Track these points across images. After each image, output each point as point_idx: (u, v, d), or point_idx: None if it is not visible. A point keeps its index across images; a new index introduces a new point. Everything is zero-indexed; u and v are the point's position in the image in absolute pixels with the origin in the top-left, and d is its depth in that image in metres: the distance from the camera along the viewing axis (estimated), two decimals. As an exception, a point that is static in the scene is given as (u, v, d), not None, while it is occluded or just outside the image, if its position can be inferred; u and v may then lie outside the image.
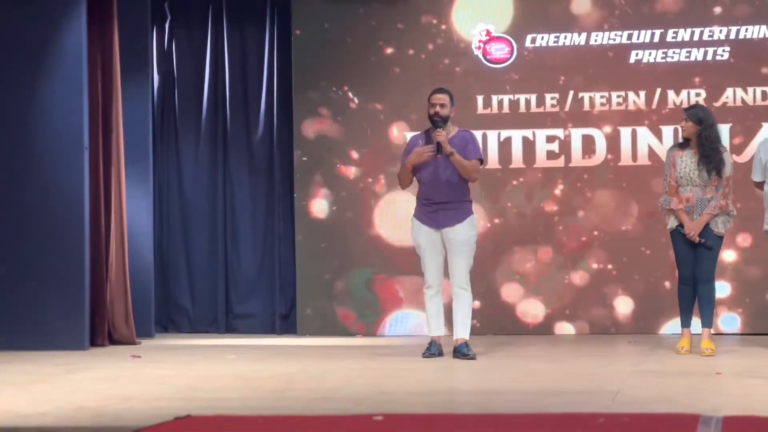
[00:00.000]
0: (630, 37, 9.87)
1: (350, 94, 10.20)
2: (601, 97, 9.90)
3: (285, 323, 10.46)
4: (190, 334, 10.50)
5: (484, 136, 9.94)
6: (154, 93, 10.55)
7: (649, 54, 9.84)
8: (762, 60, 9.68)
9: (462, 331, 7.98)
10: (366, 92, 10.18)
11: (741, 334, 9.57)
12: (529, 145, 9.97)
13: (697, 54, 9.78)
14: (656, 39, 9.83)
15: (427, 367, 7.55)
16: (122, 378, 7.03)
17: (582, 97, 9.92)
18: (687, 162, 8.04)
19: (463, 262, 7.99)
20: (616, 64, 9.88)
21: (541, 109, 9.98)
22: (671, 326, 9.51)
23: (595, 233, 9.89)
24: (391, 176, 9.51)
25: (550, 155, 9.96)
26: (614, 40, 9.89)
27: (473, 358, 7.87)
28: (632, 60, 9.86)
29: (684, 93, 9.78)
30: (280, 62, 10.51)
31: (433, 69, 10.04)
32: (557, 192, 9.94)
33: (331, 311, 10.16)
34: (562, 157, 9.94)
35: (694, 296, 8.13)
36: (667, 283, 9.60)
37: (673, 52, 9.81)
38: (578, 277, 9.88)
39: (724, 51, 9.73)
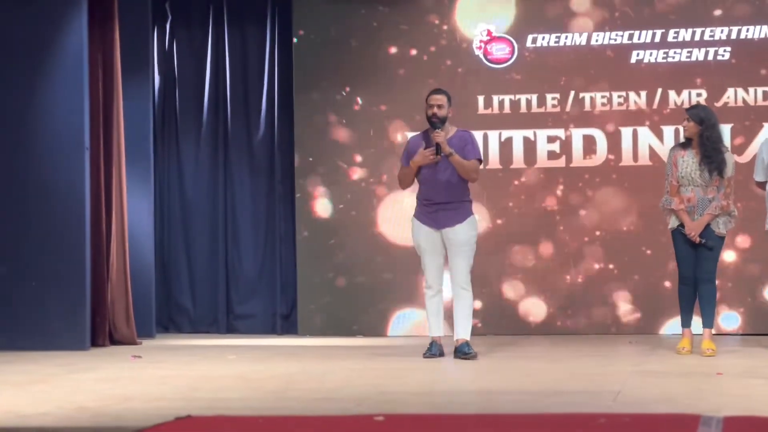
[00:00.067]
0: (631, 37, 9.86)
1: (351, 95, 10.20)
2: (602, 97, 9.90)
3: (286, 323, 10.46)
4: (191, 334, 10.50)
5: (485, 137, 9.94)
6: (154, 93, 10.55)
7: (650, 54, 9.84)
8: (763, 60, 9.68)
9: (463, 331, 7.98)
10: (367, 92, 10.18)
11: (742, 335, 9.57)
12: (530, 146, 9.97)
13: (698, 54, 9.77)
14: (657, 39, 9.82)
15: (428, 368, 7.54)
16: (123, 378, 7.03)
17: (583, 98, 9.92)
18: (689, 162, 8.04)
19: (464, 262, 7.99)
20: (617, 65, 9.87)
21: (542, 110, 9.97)
22: (672, 326, 9.50)
23: (597, 233, 9.88)
24: (393, 176, 9.51)
25: (551, 155, 9.95)
26: (615, 40, 9.89)
27: (474, 356, 7.87)
28: (633, 60, 9.86)
29: (685, 93, 9.77)
30: (280, 62, 10.51)
31: (435, 69, 10.04)
32: (558, 192, 9.94)
33: (332, 311, 10.15)
34: (563, 158, 9.94)
35: (694, 296, 8.13)
36: (667, 283, 9.59)
37: (674, 53, 9.81)
38: (579, 277, 9.88)
39: (725, 51, 9.72)
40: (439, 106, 7.98)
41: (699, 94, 9.73)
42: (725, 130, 9.14)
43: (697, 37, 9.77)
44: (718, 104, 9.57)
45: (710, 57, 9.75)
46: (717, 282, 8.20)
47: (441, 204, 8.01)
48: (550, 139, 9.96)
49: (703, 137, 7.99)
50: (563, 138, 9.94)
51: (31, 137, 8.90)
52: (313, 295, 10.18)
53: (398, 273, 9.99)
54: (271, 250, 10.55)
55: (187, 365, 7.86)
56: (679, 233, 8.08)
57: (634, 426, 4.82)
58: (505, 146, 10.00)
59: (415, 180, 8.17)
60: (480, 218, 8.39)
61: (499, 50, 10.04)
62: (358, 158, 10.18)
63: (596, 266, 9.86)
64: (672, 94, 9.80)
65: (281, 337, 10.20)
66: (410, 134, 9.28)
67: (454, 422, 5.11)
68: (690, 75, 9.79)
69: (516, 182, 9.98)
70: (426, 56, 10.10)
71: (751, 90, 9.70)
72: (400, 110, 10.09)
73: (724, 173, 7.99)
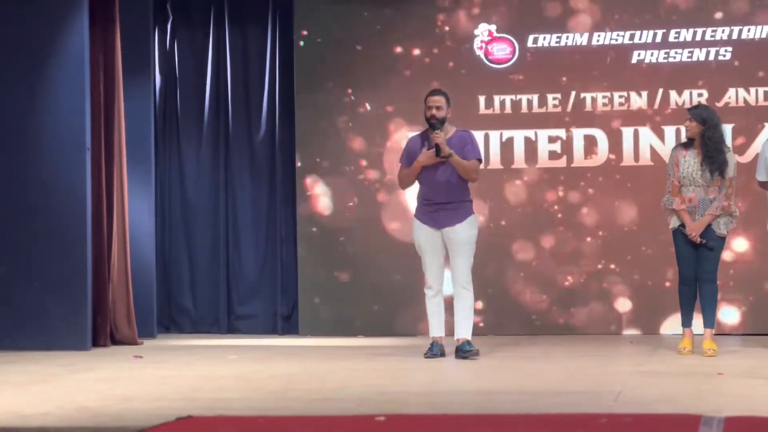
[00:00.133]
0: (632, 37, 9.86)
1: (352, 95, 10.20)
2: (603, 97, 9.90)
3: (287, 324, 10.46)
4: (192, 334, 10.50)
5: (486, 137, 9.94)
6: (155, 93, 10.55)
7: (651, 54, 9.84)
8: (764, 60, 9.68)
9: (464, 330, 7.99)
10: (368, 93, 10.18)
11: (743, 335, 9.56)
12: (531, 146, 9.97)
13: (699, 54, 9.77)
14: (658, 39, 9.82)
15: (429, 368, 7.54)
16: (124, 378, 7.03)
17: (584, 98, 9.92)
18: (690, 162, 8.04)
19: (465, 262, 8.00)
20: (618, 65, 9.87)
21: (543, 110, 9.97)
22: (673, 326, 9.49)
23: (598, 233, 9.88)
24: (394, 177, 9.50)
25: (552, 155, 9.95)
26: (616, 40, 9.89)
27: (476, 353, 7.87)
28: (634, 60, 9.86)
29: (686, 93, 9.77)
30: (281, 63, 10.51)
31: (436, 69, 10.04)
32: (559, 192, 9.94)
33: (333, 312, 10.15)
34: (564, 158, 9.94)
35: (695, 296, 8.12)
36: (668, 283, 9.59)
37: (676, 53, 9.81)
38: (580, 277, 9.87)
39: (726, 51, 9.72)
40: (438, 108, 7.98)
41: (700, 95, 9.72)
42: (727, 130, 9.13)
43: (698, 38, 9.77)
44: (720, 104, 9.57)
45: (711, 57, 9.75)
46: (718, 282, 8.19)
47: (441, 204, 8.01)
48: (551, 139, 9.96)
49: (705, 137, 7.99)
50: (564, 138, 9.94)
51: (32, 138, 8.90)
52: (314, 296, 10.18)
53: (399, 273, 9.98)
54: (272, 250, 10.56)
55: (188, 365, 7.86)
56: (679, 233, 8.07)
57: (635, 426, 4.82)
58: (506, 146, 10.00)
59: (416, 180, 8.18)
60: (480, 218, 8.39)
61: (500, 50, 10.04)
62: (360, 159, 10.18)
63: (597, 266, 9.86)
64: (673, 94, 9.80)
65: (282, 338, 10.20)
66: (410, 134, 9.27)
67: (455, 422, 5.11)
68: (691, 75, 9.79)
69: (517, 182, 9.98)
70: (427, 56, 10.11)
71: (753, 90, 9.69)
72: (401, 110, 10.09)
73: (725, 174, 7.99)
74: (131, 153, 9.64)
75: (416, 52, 10.13)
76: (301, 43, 10.23)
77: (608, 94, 9.89)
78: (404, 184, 8.32)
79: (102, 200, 9.22)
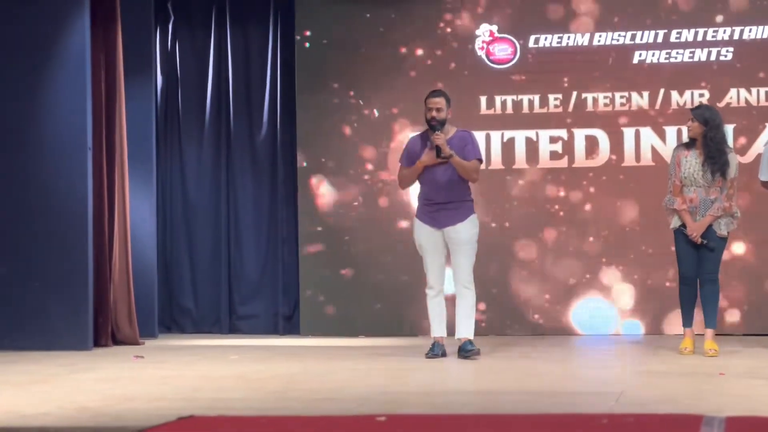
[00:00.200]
0: (633, 37, 9.86)
1: (354, 95, 10.20)
2: (605, 97, 9.90)
3: (288, 324, 10.46)
4: (193, 334, 10.50)
5: (488, 137, 9.94)
6: (157, 93, 10.55)
7: (653, 54, 9.83)
8: (766, 61, 9.67)
9: (465, 330, 7.99)
10: (370, 93, 10.18)
11: (744, 335, 9.56)
12: (532, 146, 9.97)
13: (700, 55, 9.77)
14: (660, 39, 9.82)
15: (430, 368, 7.54)
16: (125, 378, 7.03)
17: (585, 98, 9.92)
18: (692, 162, 8.03)
19: (466, 261, 8.01)
20: (620, 65, 9.87)
21: (544, 110, 9.97)
22: (674, 326, 9.49)
23: (599, 233, 9.88)
24: (395, 176, 9.50)
25: (554, 156, 9.95)
26: (617, 40, 9.89)
27: (477, 353, 7.88)
28: (636, 60, 9.86)
29: (687, 94, 9.77)
30: (283, 63, 10.52)
31: (437, 70, 10.04)
32: (561, 192, 9.94)
33: (334, 312, 10.15)
34: (566, 158, 9.93)
35: (695, 296, 8.12)
36: (669, 283, 9.58)
37: (677, 53, 9.81)
38: (581, 278, 9.87)
39: (728, 52, 9.72)
40: (438, 110, 7.98)
41: (701, 95, 9.72)
42: (728, 130, 9.13)
43: (699, 38, 9.77)
44: (721, 105, 9.56)
45: (713, 57, 9.74)
46: (720, 279, 8.19)
47: (442, 204, 8.02)
48: (553, 140, 9.96)
49: (707, 138, 7.98)
50: (565, 138, 9.94)
51: (33, 138, 8.91)
52: (315, 296, 10.18)
53: (401, 273, 9.98)
54: (273, 250, 10.56)
55: (189, 365, 7.86)
56: (680, 233, 8.07)
57: (637, 426, 4.82)
58: (508, 146, 10.00)
59: (416, 180, 8.19)
60: (482, 219, 8.39)
61: (501, 51, 10.04)
62: (361, 159, 10.18)
63: (599, 266, 9.86)
64: (674, 94, 9.80)
65: (283, 338, 10.20)
66: (411, 134, 9.28)
67: (456, 422, 5.11)
68: (692, 75, 9.78)
69: (518, 182, 9.97)
70: (428, 57, 10.10)
71: (754, 90, 9.69)
72: (403, 110, 10.09)
73: (727, 174, 7.98)
74: (132, 153, 9.65)
75: (418, 52, 10.13)
76: (307, 44, 10.22)
77: (610, 94, 9.89)
78: (404, 183, 8.33)
79: (103, 200, 9.23)
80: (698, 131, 8.02)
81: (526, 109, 9.99)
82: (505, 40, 10.03)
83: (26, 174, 8.91)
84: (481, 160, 8.14)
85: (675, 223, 8.13)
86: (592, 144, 9.90)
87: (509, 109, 10.01)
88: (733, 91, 9.71)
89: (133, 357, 8.34)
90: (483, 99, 10.03)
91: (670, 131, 9.76)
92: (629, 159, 9.85)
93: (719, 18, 9.73)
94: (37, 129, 8.90)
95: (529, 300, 9.93)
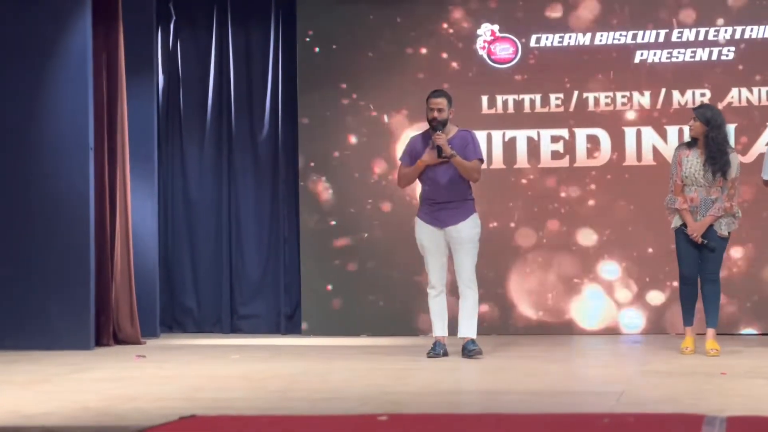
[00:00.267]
0: (635, 37, 9.86)
1: (355, 96, 10.21)
2: (606, 97, 9.90)
3: (289, 323, 10.46)
4: (195, 334, 10.51)
5: (489, 136, 9.95)
6: (158, 93, 10.56)
7: (654, 54, 9.84)
8: (767, 60, 9.67)
9: (468, 329, 8.01)
10: (371, 92, 10.19)
11: (746, 335, 9.56)
12: (533, 146, 9.97)
13: (702, 54, 9.77)
14: (661, 39, 9.82)
15: (432, 367, 7.55)
16: (127, 378, 7.03)
17: (587, 97, 9.92)
18: (693, 162, 8.03)
19: (468, 261, 8.02)
20: (621, 64, 9.87)
21: (545, 109, 9.97)
22: (676, 326, 9.49)
23: (600, 233, 9.88)
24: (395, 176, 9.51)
25: (555, 155, 9.96)
26: (619, 40, 9.89)
27: (479, 353, 7.89)
28: (637, 60, 9.86)
29: (689, 93, 9.77)
30: (284, 63, 10.52)
31: (438, 69, 10.05)
32: (562, 192, 9.94)
33: (336, 311, 10.16)
34: (567, 157, 9.94)
35: (696, 296, 8.12)
36: (670, 283, 9.59)
37: (678, 52, 9.81)
38: (583, 277, 9.88)
39: (729, 51, 9.72)
40: (440, 110, 7.99)
41: (703, 94, 9.72)
42: (730, 130, 9.12)
43: (701, 37, 9.77)
44: (722, 104, 9.57)
45: (714, 57, 9.75)
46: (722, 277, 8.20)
47: (443, 203, 8.03)
48: (554, 139, 9.96)
49: (709, 138, 7.98)
50: (567, 138, 9.94)
51: (35, 137, 8.91)
52: (317, 295, 10.19)
53: (403, 273, 9.99)
54: (274, 250, 10.56)
55: (190, 365, 7.86)
56: (681, 232, 8.07)
57: (638, 426, 4.82)
58: (509, 146, 10.00)
59: (417, 180, 8.19)
60: (483, 218, 8.39)
61: (502, 50, 10.04)
62: (362, 159, 10.18)
63: (601, 265, 9.86)
64: (676, 94, 9.80)
65: (285, 337, 10.21)
66: (412, 134, 9.28)
67: (458, 422, 5.12)
68: (694, 75, 9.79)
69: (520, 182, 9.98)
70: (430, 56, 10.11)
71: (755, 90, 9.70)
72: (404, 110, 10.10)
73: (728, 175, 7.97)
74: (134, 152, 9.66)
75: (419, 51, 10.13)
76: (317, 49, 10.20)
77: (611, 93, 9.90)
78: (403, 182, 8.34)
79: (105, 200, 9.23)
80: (700, 131, 8.02)
81: (527, 108, 9.99)
82: (507, 40, 10.03)
83: (28, 174, 8.91)
84: (482, 160, 8.15)
85: (676, 222, 8.13)
86: (593, 143, 9.90)
87: (510, 109, 10.02)
88: (734, 91, 9.71)
89: (135, 357, 8.34)
90: (484, 98, 10.04)
91: (672, 131, 9.77)
92: (630, 158, 9.85)
93: (721, 18, 9.72)
94: (38, 129, 8.91)
95: (531, 299, 9.93)
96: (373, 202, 10.16)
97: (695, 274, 8.08)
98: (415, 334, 9.89)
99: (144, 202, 9.96)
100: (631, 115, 9.85)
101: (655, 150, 9.80)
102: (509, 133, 10.01)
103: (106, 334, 9.17)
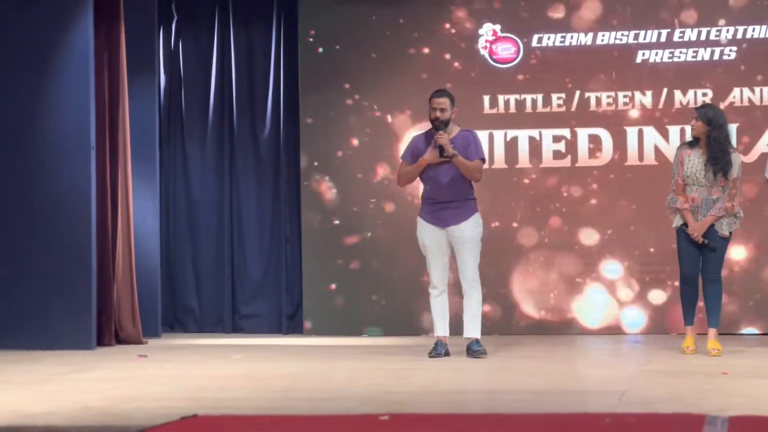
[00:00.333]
0: (637, 37, 9.86)
1: (357, 95, 10.21)
2: (608, 96, 9.90)
3: (291, 323, 10.46)
4: (197, 333, 10.51)
5: (491, 136, 9.95)
6: (160, 93, 10.56)
7: (656, 54, 9.83)
8: (769, 60, 9.69)
9: (473, 329, 8.04)
10: (373, 92, 10.18)
11: (748, 334, 9.55)
12: (535, 145, 9.97)
13: (704, 54, 9.76)
14: (663, 39, 9.82)
15: (434, 367, 7.55)
16: (128, 378, 7.04)
17: (588, 97, 9.92)
18: (694, 162, 8.03)
19: (472, 260, 8.03)
20: (623, 64, 9.87)
21: (547, 109, 9.97)
22: (678, 325, 9.48)
23: (602, 233, 9.88)
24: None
25: (557, 155, 9.95)
26: (621, 40, 9.89)
27: (484, 353, 7.90)
28: (639, 60, 9.86)
29: (691, 93, 9.77)
30: (286, 63, 10.52)
31: (440, 69, 10.04)
32: (564, 192, 9.94)
33: (338, 311, 10.16)
34: (569, 157, 9.94)
35: (696, 295, 8.12)
36: (675, 282, 9.59)
37: (680, 52, 9.81)
38: (585, 277, 9.87)
39: (731, 51, 9.72)
40: (442, 110, 8.00)
41: (705, 94, 9.72)
42: (732, 130, 9.12)
43: (702, 37, 9.76)
44: (724, 104, 9.56)
45: (716, 57, 9.74)
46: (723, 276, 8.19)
47: (445, 203, 8.03)
48: (556, 139, 9.96)
49: (710, 137, 7.97)
50: (569, 138, 9.94)
51: (37, 137, 8.91)
52: (319, 295, 10.19)
53: (405, 272, 9.99)
54: (276, 249, 10.56)
55: (192, 365, 7.87)
56: (682, 232, 8.07)
57: (640, 425, 4.82)
58: (511, 146, 10.00)
59: (418, 179, 8.20)
60: (485, 218, 8.40)
61: (504, 50, 10.04)
62: (364, 158, 10.18)
63: (602, 265, 9.86)
64: (678, 93, 9.80)
65: (286, 337, 10.21)
66: (415, 133, 9.28)
67: (459, 422, 5.12)
68: (696, 75, 9.78)
69: (521, 182, 9.97)
70: (432, 56, 10.11)
71: (757, 90, 9.69)
72: (406, 110, 10.10)
73: (729, 175, 7.97)
74: (136, 152, 9.66)
75: (421, 51, 10.13)
76: (320, 50, 10.20)
77: (613, 93, 9.89)
78: (404, 180, 8.33)
79: (107, 199, 9.23)
80: (701, 130, 8.02)
81: (529, 108, 9.99)
82: (509, 40, 10.03)
83: (29, 173, 8.91)
84: (484, 160, 8.15)
85: (677, 221, 8.13)
86: (595, 143, 9.90)
87: (512, 109, 10.02)
88: (736, 91, 9.71)
89: (137, 356, 8.35)
90: (486, 98, 10.03)
91: (674, 130, 9.76)
92: (632, 158, 9.85)
93: (722, 17, 9.72)
94: (40, 128, 8.91)
95: (533, 299, 9.93)
96: (376, 201, 10.16)
97: (696, 274, 8.09)
98: (417, 333, 9.89)
99: (146, 202, 9.96)
100: (632, 115, 9.85)
101: (656, 150, 9.80)
102: (511, 133, 10.01)
103: (107, 333, 9.17)
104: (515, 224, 9.98)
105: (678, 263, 8.18)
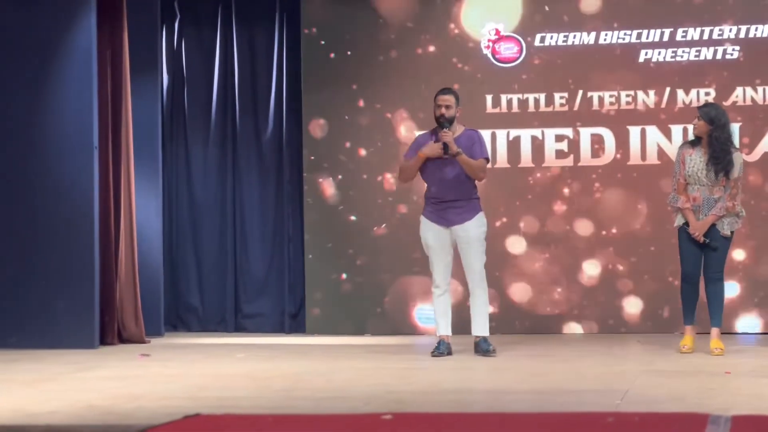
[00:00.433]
0: (639, 36, 9.85)
1: (359, 94, 10.21)
2: (610, 96, 9.89)
3: (294, 322, 10.46)
4: (199, 333, 10.51)
5: (493, 135, 9.94)
6: (163, 92, 10.56)
7: (659, 53, 9.83)
8: (772, 59, 9.68)
9: (481, 327, 8.07)
10: (375, 92, 10.18)
11: (750, 334, 9.55)
12: (538, 145, 9.97)
13: (706, 53, 9.76)
14: (665, 38, 9.81)
15: (436, 367, 7.55)
16: (131, 377, 7.04)
17: (591, 96, 9.92)
18: (696, 161, 8.03)
19: (477, 259, 8.05)
20: (626, 63, 9.86)
21: (550, 109, 9.97)
22: (680, 325, 9.47)
23: (604, 232, 9.88)
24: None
25: (559, 154, 9.95)
26: (623, 39, 9.88)
27: (494, 353, 7.92)
28: (641, 59, 9.85)
29: (693, 92, 9.76)
30: (289, 62, 10.52)
31: (442, 68, 10.04)
32: (566, 191, 9.94)
33: (340, 310, 10.16)
34: (571, 156, 9.93)
35: (697, 294, 8.13)
36: (676, 282, 9.58)
37: (683, 51, 9.80)
38: (587, 277, 9.88)
39: (733, 50, 9.71)
40: (447, 107, 8.01)
41: (707, 93, 9.71)
42: (734, 129, 9.12)
43: (705, 36, 9.76)
44: (727, 103, 9.56)
45: (719, 56, 9.73)
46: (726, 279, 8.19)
47: (449, 202, 8.04)
48: (558, 138, 9.96)
49: (712, 137, 7.97)
50: (571, 137, 9.94)
51: (40, 136, 8.92)
52: (321, 294, 10.19)
53: (407, 272, 9.99)
54: (279, 249, 10.56)
55: (195, 364, 7.87)
56: (684, 231, 8.07)
57: (642, 425, 4.82)
58: (513, 145, 10.00)
59: (420, 178, 8.20)
60: (487, 217, 8.40)
61: (507, 49, 10.04)
62: (367, 157, 10.18)
63: (605, 264, 9.86)
64: (680, 93, 9.79)
65: (289, 336, 10.20)
66: (418, 133, 9.29)
67: (462, 421, 5.12)
68: (698, 74, 9.78)
69: (524, 181, 9.97)
70: (434, 55, 10.10)
71: (760, 89, 9.68)
72: (407, 109, 10.09)
73: (730, 174, 7.97)
74: (138, 151, 9.66)
75: (424, 51, 10.12)
76: (323, 42, 10.19)
77: (615, 92, 9.89)
78: (404, 176, 8.33)
79: (109, 199, 9.24)
80: (704, 130, 8.02)
81: (531, 107, 9.99)
82: (511, 39, 10.03)
83: (32, 172, 8.92)
84: (488, 159, 8.17)
85: (679, 221, 8.13)
86: (597, 142, 9.90)
87: (515, 108, 10.01)
88: (739, 90, 9.70)
89: (139, 355, 8.35)
90: (489, 98, 10.03)
91: (676, 130, 9.76)
92: (635, 157, 9.85)
93: (725, 16, 9.71)
94: (43, 127, 8.92)
95: (535, 298, 9.93)
96: (379, 201, 10.16)
97: (697, 273, 8.09)
98: (420, 333, 9.89)
99: (148, 201, 9.96)
100: (635, 114, 9.85)
101: (659, 149, 9.80)
102: (514, 132, 10.00)
103: (110, 332, 9.17)
104: (517, 223, 9.97)
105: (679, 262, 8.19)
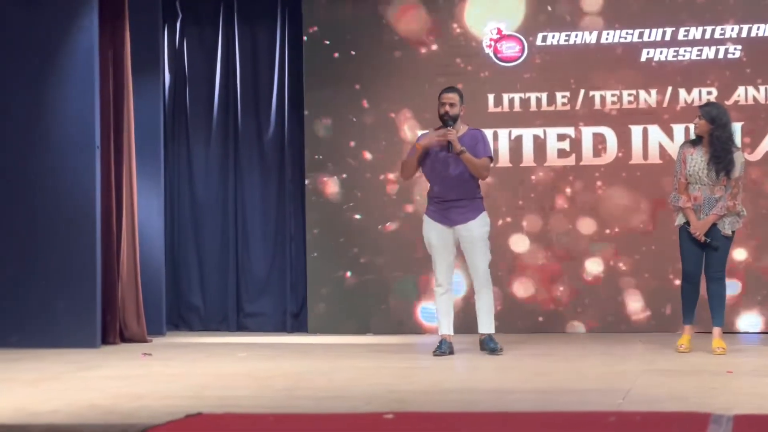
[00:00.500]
0: (641, 35, 9.85)
1: (361, 93, 10.20)
2: (612, 95, 9.89)
3: (296, 322, 10.46)
4: (201, 332, 10.51)
5: (495, 135, 9.94)
6: (165, 91, 10.56)
7: (661, 52, 9.82)
8: (774, 58, 9.67)
9: (486, 325, 8.09)
10: (377, 91, 10.18)
11: (752, 333, 9.55)
12: (540, 144, 9.96)
13: (708, 52, 9.75)
14: (668, 37, 9.81)
15: (438, 366, 7.55)
16: (133, 376, 7.04)
17: (593, 96, 9.91)
18: (697, 160, 8.02)
19: (482, 258, 8.06)
20: (627, 63, 9.86)
21: (552, 108, 9.97)
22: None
23: (606, 231, 9.87)
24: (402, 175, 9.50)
25: (561, 153, 9.95)
26: (625, 38, 9.88)
27: (500, 351, 7.94)
28: (643, 58, 9.85)
29: (695, 91, 9.76)
30: (291, 61, 10.52)
31: (444, 68, 10.03)
32: (568, 190, 9.93)
33: (342, 310, 10.16)
34: (573, 156, 9.93)
35: (697, 294, 8.12)
36: (678, 281, 9.57)
37: (685, 51, 9.79)
38: (589, 276, 9.87)
39: (735, 49, 9.71)
40: (451, 105, 8.02)
41: (709, 93, 9.71)
42: (736, 128, 9.11)
43: (707, 36, 9.75)
44: (729, 102, 9.55)
45: (721, 55, 9.73)
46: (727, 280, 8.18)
47: (453, 201, 8.04)
48: (560, 138, 9.96)
49: (713, 136, 7.97)
50: (573, 136, 9.93)
51: (42, 135, 8.92)
52: (323, 294, 10.19)
53: (408, 271, 9.99)
54: (281, 248, 10.56)
55: (197, 363, 7.87)
56: (685, 230, 8.07)
57: (644, 424, 4.82)
58: (515, 144, 10.00)
59: (422, 176, 8.21)
60: (490, 217, 8.40)
61: (509, 48, 10.03)
62: (368, 156, 10.18)
63: (606, 264, 9.85)
64: (682, 92, 9.78)
65: (291, 335, 10.20)
66: (420, 132, 9.29)
67: (464, 420, 5.12)
68: (700, 73, 9.77)
69: (525, 180, 9.97)
70: (436, 55, 10.10)
71: (762, 88, 9.68)
72: (410, 108, 10.09)
73: (731, 174, 7.97)
74: (140, 151, 9.66)
75: (424, 50, 10.12)
76: (326, 41, 10.19)
77: (617, 92, 9.88)
78: (405, 172, 8.33)
79: (111, 198, 9.24)
80: (705, 129, 8.01)
81: (533, 106, 9.99)
82: (513, 38, 10.02)
83: (34, 172, 8.92)
84: (491, 158, 8.18)
85: (680, 220, 8.13)
86: (599, 142, 9.89)
87: (517, 107, 10.01)
88: (741, 89, 9.70)
89: (141, 355, 8.35)
90: (491, 97, 10.03)
91: (678, 129, 9.75)
92: (637, 157, 9.84)
93: (727, 16, 9.70)
94: (44, 127, 8.92)
95: (536, 298, 9.93)
96: (381, 200, 10.15)
97: (698, 272, 8.09)
98: (421, 332, 9.89)
99: (150, 201, 9.96)
100: (637, 114, 9.84)
101: (661, 148, 9.79)
102: (515, 132, 10.00)
103: (112, 332, 9.18)
104: (519, 223, 9.97)
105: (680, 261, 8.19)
